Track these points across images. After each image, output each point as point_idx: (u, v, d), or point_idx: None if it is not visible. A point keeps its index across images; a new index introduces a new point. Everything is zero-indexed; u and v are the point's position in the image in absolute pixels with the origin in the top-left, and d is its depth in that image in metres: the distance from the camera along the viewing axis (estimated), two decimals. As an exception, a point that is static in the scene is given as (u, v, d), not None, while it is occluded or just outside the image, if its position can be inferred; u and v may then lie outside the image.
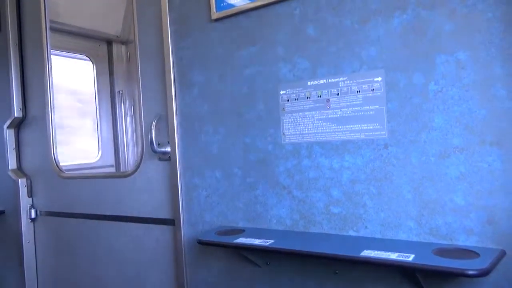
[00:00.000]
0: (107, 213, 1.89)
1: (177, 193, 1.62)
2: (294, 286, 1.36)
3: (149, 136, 1.64)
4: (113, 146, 3.20)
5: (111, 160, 3.18)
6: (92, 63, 3.10)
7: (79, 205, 2.01)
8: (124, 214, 1.83)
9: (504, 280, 1.03)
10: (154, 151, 1.65)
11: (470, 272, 0.91)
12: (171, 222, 1.66)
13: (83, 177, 2.02)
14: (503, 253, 1.00)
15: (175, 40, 1.61)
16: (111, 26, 3.14)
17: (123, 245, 1.85)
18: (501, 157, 1.03)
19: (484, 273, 0.91)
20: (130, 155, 3.30)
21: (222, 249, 1.49)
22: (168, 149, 1.65)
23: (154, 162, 1.71)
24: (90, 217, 1.96)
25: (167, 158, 1.65)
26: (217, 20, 1.49)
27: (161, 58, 1.66)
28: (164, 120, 1.66)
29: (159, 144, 1.66)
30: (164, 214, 1.69)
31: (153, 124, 1.64)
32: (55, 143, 2.12)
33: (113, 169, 3.20)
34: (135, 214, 1.79)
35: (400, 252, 1.05)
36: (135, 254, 1.81)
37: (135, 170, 1.77)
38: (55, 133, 2.12)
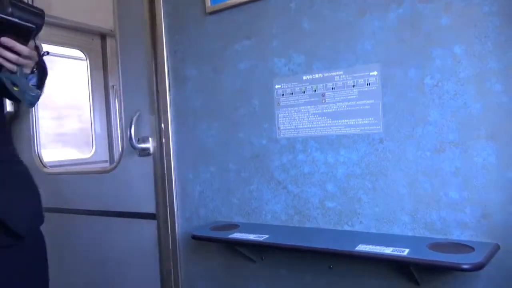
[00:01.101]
0: (91, 208, 1.88)
1: (172, 189, 1.61)
2: (289, 281, 1.35)
3: (128, 132, 1.62)
4: (107, 141, 3.18)
5: (106, 156, 3.16)
6: (86, 57, 3.07)
7: (63, 200, 1.98)
8: (110, 209, 1.82)
9: (498, 273, 1.03)
10: (134, 147, 1.63)
11: (465, 266, 0.91)
12: (152, 216, 1.65)
13: (67, 173, 2.01)
14: (497, 247, 1.01)
15: (169, 33, 1.59)
16: (105, 20, 3.10)
17: (111, 241, 1.84)
18: (496, 152, 1.03)
19: (478, 267, 0.91)
20: (124, 150, 3.27)
21: (217, 244, 1.48)
22: (148, 145, 1.63)
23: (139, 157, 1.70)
24: (78, 212, 1.94)
25: (147, 154, 1.64)
26: (211, 13, 1.47)
27: (145, 51, 1.64)
28: (145, 116, 1.64)
29: (138, 140, 1.64)
30: (148, 208, 1.68)
31: (134, 119, 1.62)
32: (39, 138, 2.10)
33: (107, 165, 3.18)
34: (125, 209, 1.78)
35: (395, 247, 1.05)
36: (124, 250, 1.80)
37: (115, 166, 1.77)
38: (38, 127, 2.10)
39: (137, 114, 1.64)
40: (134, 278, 1.76)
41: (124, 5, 1.72)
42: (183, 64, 1.56)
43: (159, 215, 1.63)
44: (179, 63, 1.57)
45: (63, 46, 2.94)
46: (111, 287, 1.85)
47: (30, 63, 0.92)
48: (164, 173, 1.62)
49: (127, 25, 1.70)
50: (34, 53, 0.91)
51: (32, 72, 0.97)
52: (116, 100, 3.25)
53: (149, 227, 1.68)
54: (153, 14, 1.62)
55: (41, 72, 1.03)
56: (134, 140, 1.61)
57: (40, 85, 1.04)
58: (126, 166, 1.73)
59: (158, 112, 1.63)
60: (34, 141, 2.08)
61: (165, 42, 1.60)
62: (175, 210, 1.61)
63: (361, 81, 1.20)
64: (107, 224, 1.82)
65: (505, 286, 1.02)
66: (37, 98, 0.94)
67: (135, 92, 1.69)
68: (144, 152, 1.65)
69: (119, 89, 1.73)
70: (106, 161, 3.18)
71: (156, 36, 1.63)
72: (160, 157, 1.63)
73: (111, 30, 3.18)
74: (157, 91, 1.62)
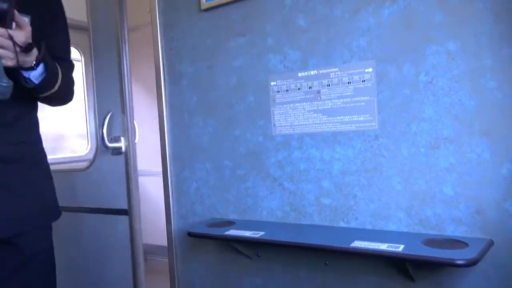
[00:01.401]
0: (67, 205, 1.89)
1: (167, 186, 1.61)
2: (284, 278, 1.36)
3: (100, 132, 1.65)
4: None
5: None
6: (80, 54, 3.05)
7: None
8: (85, 205, 1.84)
9: (491, 269, 1.04)
10: (106, 147, 1.67)
11: (459, 262, 0.92)
12: (125, 212, 1.69)
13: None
14: (491, 243, 1.01)
15: (164, 30, 1.58)
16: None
17: (86, 236, 1.86)
18: (490, 148, 1.03)
19: (472, 263, 0.92)
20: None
21: (213, 241, 1.48)
22: (120, 144, 1.66)
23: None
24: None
25: (119, 152, 1.67)
26: (206, 10, 1.46)
27: (117, 50, 1.66)
28: (118, 116, 1.67)
29: (111, 139, 1.67)
30: (120, 204, 1.70)
31: (106, 120, 1.65)
32: None
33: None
34: (99, 206, 1.81)
35: (390, 243, 1.05)
36: (99, 244, 1.82)
37: (90, 165, 1.79)
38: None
39: (109, 114, 1.66)
40: (108, 270, 1.79)
41: (96, 3, 1.72)
42: (178, 61, 1.56)
43: (132, 211, 1.65)
44: (174, 60, 1.57)
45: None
46: (87, 278, 1.86)
47: (9, 54, 0.90)
48: (136, 171, 1.66)
49: (100, 24, 1.71)
50: (8, 43, 0.89)
51: (27, 68, 0.95)
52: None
53: (122, 222, 1.71)
54: (121, 10, 1.64)
55: (47, 72, 1.01)
56: (106, 140, 1.66)
57: (46, 85, 1.02)
58: (100, 165, 1.75)
59: (130, 112, 1.66)
60: None
61: (160, 39, 1.59)
62: (170, 207, 1.61)
63: (356, 77, 1.20)
64: (81, 220, 1.85)
65: (499, 281, 1.03)
66: (7, 88, 0.91)
67: (108, 92, 1.70)
68: (116, 151, 1.69)
69: (93, 89, 1.75)
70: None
71: (118, 35, 1.64)
72: (132, 155, 1.66)
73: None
74: (124, 93, 1.63)
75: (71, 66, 1.18)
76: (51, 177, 1.18)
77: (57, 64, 1.07)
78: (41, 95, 1.06)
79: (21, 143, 1.06)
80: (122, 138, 1.67)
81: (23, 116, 1.07)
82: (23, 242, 1.04)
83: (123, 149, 1.67)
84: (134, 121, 1.71)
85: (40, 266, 1.09)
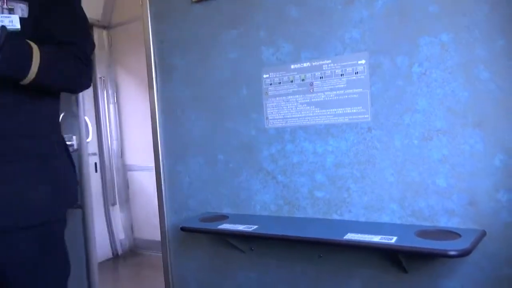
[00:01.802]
0: None
1: (160, 180, 1.60)
2: (278, 271, 1.36)
3: None
4: (96, 133, 3.14)
5: (94, 148, 3.13)
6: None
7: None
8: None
9: (484, 259, 1.04)
10: None
11: (451, 253, 0.92)
12: (78, 205, 1.71)
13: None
14: (483, 234, 1.02)
15: (155, 22, 1.56)
16: (91, 10, 3.04)
17: None
18: (483, 139, 1.03)
19: (465, 253, 0.92)
20: (114, 143, 3.25)
21: (206, 235, 1.47)
22: (72, 142, 1.71)
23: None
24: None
25: (72, 150, 1.70)
26: (198, 1, 1.44)
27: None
28: (69, 115, 1.72)
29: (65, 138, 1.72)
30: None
31: (59, 119, 1.71)
32: None
33: (96, 157, 3.14)
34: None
35: (383, 235, 1.05)
36: None
37: None
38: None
39: (62, 115, 1.72)
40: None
41: None
42: (169, 54, 1.54)
43: (85, 205, 1.70)
44: (166, 53, 1.55)
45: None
46: None
47: None
48: (88, 167, 1.74)
49: None
50: None
51: None
52: (105, 91, 3.21)
53: (76, 215, 1.74)
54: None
55: (4, 57, 0.95)
56: None
57: (7, 70, 0.96)
58: None
59: (82, 111, 1.71)
60: None
61: (152, 32, 1.57)
62: (163, 201, 1.60)
63: (349, 69, 1.20)
64: None
65: (491, 271, 1.04)
66: None
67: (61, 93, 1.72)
68: (70, 149, 1.73)
69: None
70: (95, 154, 3.14)
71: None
72: (84, 152, 1.73)
73: (98, 20, 3.12)
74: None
75: (75, 51, 1.10)
76: (45, 175, 1.09)
77: (32, 48, 1.00)
78: (21, 83, 1.00)
79: (15, 135, 1.01)
80: (74, 137, 1.72)
81: (21, 106, 1.02)
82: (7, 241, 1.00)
83: (75, 146, 1.71)
84: (87, 119, 1.76)
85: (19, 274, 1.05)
